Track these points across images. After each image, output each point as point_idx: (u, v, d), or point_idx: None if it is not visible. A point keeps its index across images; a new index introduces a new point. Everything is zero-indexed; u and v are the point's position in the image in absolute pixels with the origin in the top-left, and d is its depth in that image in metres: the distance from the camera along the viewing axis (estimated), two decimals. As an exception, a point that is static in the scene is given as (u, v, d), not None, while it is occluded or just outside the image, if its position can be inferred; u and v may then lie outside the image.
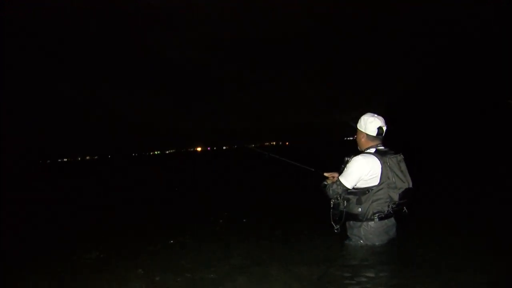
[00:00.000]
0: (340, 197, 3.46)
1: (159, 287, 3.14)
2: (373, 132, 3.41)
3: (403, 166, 3.41)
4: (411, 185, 3.37)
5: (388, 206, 3.28)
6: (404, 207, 3.43)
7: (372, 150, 3.40)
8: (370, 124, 3.43)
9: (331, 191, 3.46)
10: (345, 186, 3.37)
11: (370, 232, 3.33)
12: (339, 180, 3.41)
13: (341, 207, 3.44)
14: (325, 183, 3.61)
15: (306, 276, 3.04)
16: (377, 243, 3.35)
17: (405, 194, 3.31)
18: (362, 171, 3.28)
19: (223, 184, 12.17)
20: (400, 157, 3.43)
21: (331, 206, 3.54)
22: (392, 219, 3.42)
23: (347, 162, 3.44)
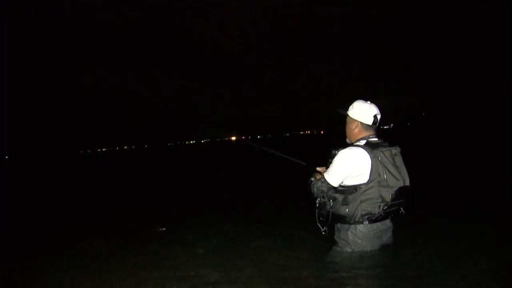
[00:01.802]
0: (326, 196, 3.03)
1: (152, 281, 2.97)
2: (369, 121, 2.96)
3: (399, 160, 2.92)
4: (407, 183, 2.89)
5: (379, 207, 2.81)
6: (401, 208, 2.95)
7: (362, 142, 2.93)
8: (365, 111, 2.97)
9: (315, 189, 3.03)
10: (329, 184, 2.93)
11: (358, 237, 2.89)
12: (324, 177, 2.98)
13: (328, 207, 3.01)
14: (312, 179, 3.17)
15: (280, 285, 2.67)
16: (367, 249, 2.90)
17: (399, 194, 2.82)
18: (348, 167, 2.84)
19: (215, 179, 11.80)
20: (396, 150, 2.95)
21: (317, 205, 3.12)
22: (387, 222, 2.96)
23: (334, 155, 3.00)
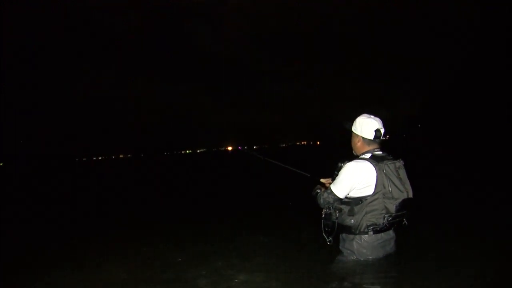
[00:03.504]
0: (332, 207, 3.14)
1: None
2: (370, 135, 3.08)
3: (402, 173, 3.05)
4: (411, 195, 3.01)
5: (384, 218, 2.93)
6: (404, 219, 3.07)
7: (368, 155, 3.06)
8: (367, 126, 3.09)
9: (321, 200, 3.15)
10: (336, 195, 3.05)
11: (363, 247, 3.00)
12: (330, 189, 3.10)
13: (333, 217, 3.12)
14: (318, 190, 3.29)
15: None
16: (371, 258, 3.01)
17: (403, 205, 2.95)
18: (354, 179, 2.96)
19: (218, 189, 11.85)
20: (399, 163, 3.08)
21: (323, 216, 3.23)
22: (390, 233, 3.08)
23: (340, 168, 3.12)
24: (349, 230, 3.03)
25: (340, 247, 3.18)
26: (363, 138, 3.12)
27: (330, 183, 3.23)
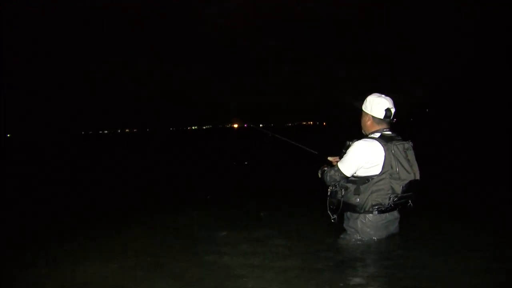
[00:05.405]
0: (338, 185, 3.14)
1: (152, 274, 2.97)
2: (381, 115, 3.03)
3: (411, 154, 3.02)
4: (417, 177, 2.99)
5: (389, 198, 2.92)
6: (410, 201, 3.06)
7: (377, 134, 3.03)
8: (377, 105, 3.05)
9: (328, 178, 3.14)
10: (343, 173, 3.04)
11: (367, 226, 3.01)
12: (337, 166, 3.08)
13: (339, 195, 3.12)
14: (325, 168, 3.28)
15: (289, 269, 2.78)
16: (374, 238, 3.03)
17: (409, 187, 2.94)
18: (362, 158, 2.94)
19: (226, 166, 11.64)
20: (408, 144, 3.05)
21: (328, 194, 3.24)
22: (395, 213, 3.08)
23: (348, 146, 3.09)
24: (354, 208, 3.03)
25: (344, 225, 3.19)
26: (373, 117, 3.08)
27: (337, 161, 3.22)
